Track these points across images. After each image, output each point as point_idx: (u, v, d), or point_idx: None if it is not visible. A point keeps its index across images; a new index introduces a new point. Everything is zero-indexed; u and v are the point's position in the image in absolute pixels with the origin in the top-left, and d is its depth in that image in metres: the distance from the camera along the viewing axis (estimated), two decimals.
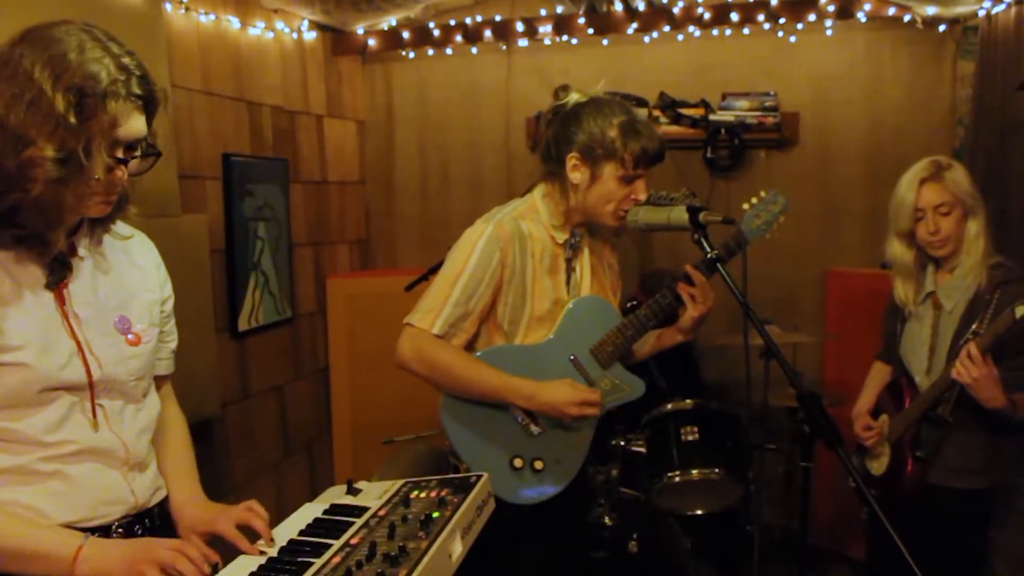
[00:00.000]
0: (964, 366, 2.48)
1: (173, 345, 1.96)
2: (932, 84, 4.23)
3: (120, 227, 1.80)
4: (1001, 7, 3.58)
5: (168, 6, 3.32)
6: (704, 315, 2.51)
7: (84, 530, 1.64)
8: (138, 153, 1.60)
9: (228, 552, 1.71)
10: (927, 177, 2.68)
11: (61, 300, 1.64)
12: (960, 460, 2.67)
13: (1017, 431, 2.65)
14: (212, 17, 3.62)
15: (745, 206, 2.61)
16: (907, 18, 4.09)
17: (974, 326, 2.52)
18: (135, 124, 1.56)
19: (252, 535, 1.75)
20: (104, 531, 1.69)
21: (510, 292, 2.44)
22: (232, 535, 1.76)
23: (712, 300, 2.50)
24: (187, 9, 3.46)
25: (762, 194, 2.64)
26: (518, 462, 2.47)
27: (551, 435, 2.51)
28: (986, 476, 2.69)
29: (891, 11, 4.07)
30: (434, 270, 3.91)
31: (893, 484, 2.80)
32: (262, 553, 1.68)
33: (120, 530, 1.72)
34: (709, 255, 2.15)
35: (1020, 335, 2.48)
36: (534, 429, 2.49)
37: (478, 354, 2.47)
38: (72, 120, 1.46)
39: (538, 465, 2.48)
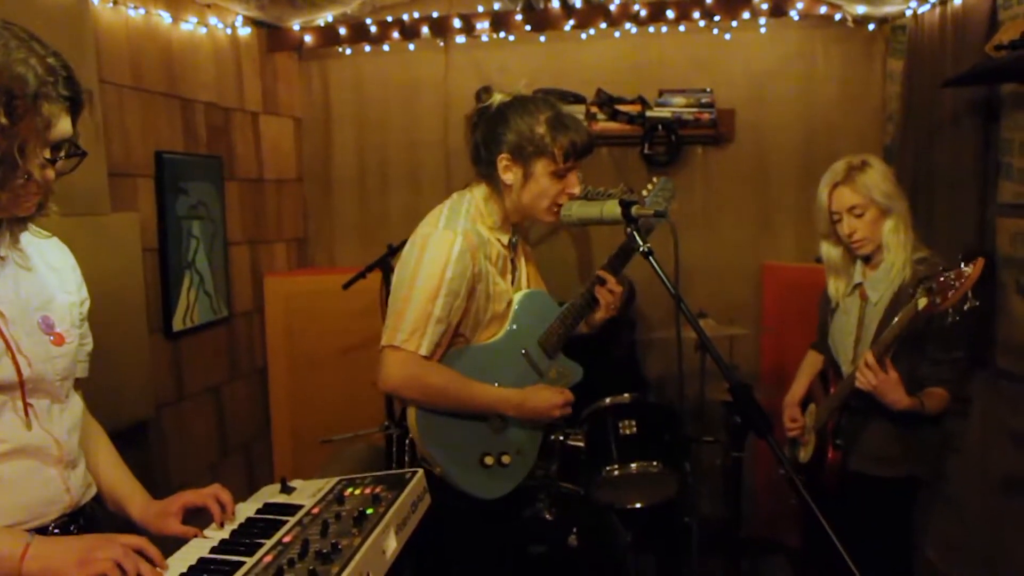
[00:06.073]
0: (863, 375, 2.57)
1: (89, 348, 1.93)
2: (863, 81, 4.32)
3: (36, 228, 1.77)
4: (926, 7, 3.66)
5: (95, 0, 3.25)
6: (611, 317, 2.67)
7: None
8: (63, 154, 1.59)
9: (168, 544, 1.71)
10: (839, 181, 2.74)
11: None
12: (879, 448, 2.74)
13: (936, 421, 2.72)
14: (142, 11, 3.55)
15: (644, 192, 2.67)
16: (838, 17, 4.17)
17: (896, 319, 2.58)
18: (63, 125, 1.55)
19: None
20: (41, 533, 1.66)
21: (477, 299, 2.44)
22: (202, 500, 1.83)
23: (620, 304, 2.66)
24: (115, 3, 3.39)
25: (655, 180, 2.72)
26: (488, 460, 2.52)
27: (511, 429, 2.57)
28: (904, 464, 2.75)
29: (822, 10, 4.15)
30: (371, 268, 3.91)
31: (817, 471, 2.86)
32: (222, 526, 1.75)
33: (56, 531, 1.70)
34: (641, 248, 2.16)
35: (940, 328, 2.55)
36: (498, 425, 2.54)
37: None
38: (3, 121, 1.44)
39: (505, 459, 2.55)
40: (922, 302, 2.42)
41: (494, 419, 2.53)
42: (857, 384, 2.60)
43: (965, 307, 2.38)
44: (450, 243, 2.37)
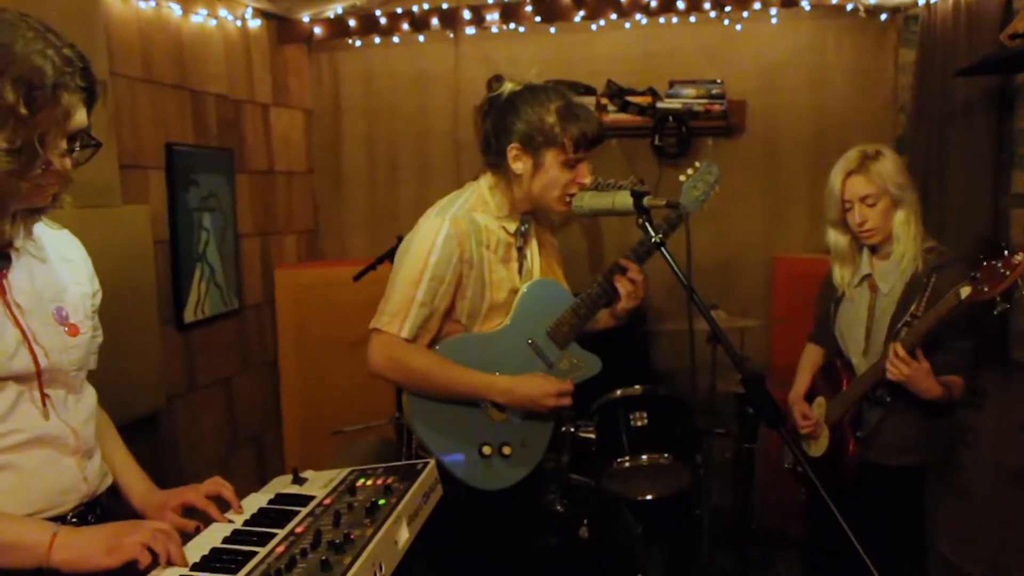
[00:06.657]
0: (895, 366, 2.56)
1: (99, 340, 1.94)
2: (875, 72, 4.29)
3: (47, 220, 1.78)
4: None
5: None
6: (636, 306, 2.59)
7: None
8: (78, 144, 1.60)
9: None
10: (853, 169, 2.73)
11: (2, 291, 1.63)
12: (898, 438, 2.74)
13: (952, 410, 2.72)
14: (152, 4, 3.55)
15: (682, 178, 2.65)
16: (849, 7, 4.15)
17: (912, 308, 2.57)
18: (80, 115, 1.57)
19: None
20: (59, 522, 1.66)
21: (469, 287, 2.44)
22: (203, 503, 1.83)
23: (643, 292, 2.57)
24: None
25: (697, 164, 2.67)
26: (487, 449, 2.50)
27: (515, 420, 2.54)
28: (921, 453, 2.76)
29: (834, 0, 4.13)
30: (382, 260, 3.91)
31: (833, 465, 2.85)
32: (230, 521, 1.74)
33: (74, 520, 1.72)
34: (653, 239, 2.16)
35: (961, 318, 2.54)
36: (498, 416, 2.52)
37: (437, 347, 2.47)
38: (22, 111, 1.45)
39: (506, 451, 2.52)
40: (965, 291, 2.41)
41: (489, 407, 2.50)
42: (888, 376, 2.58)
43: (1016, 295, 2.37)
44: (436, 229, 2.39)
